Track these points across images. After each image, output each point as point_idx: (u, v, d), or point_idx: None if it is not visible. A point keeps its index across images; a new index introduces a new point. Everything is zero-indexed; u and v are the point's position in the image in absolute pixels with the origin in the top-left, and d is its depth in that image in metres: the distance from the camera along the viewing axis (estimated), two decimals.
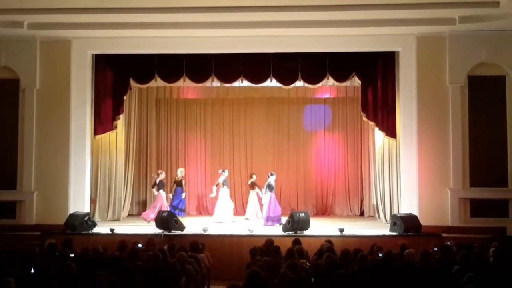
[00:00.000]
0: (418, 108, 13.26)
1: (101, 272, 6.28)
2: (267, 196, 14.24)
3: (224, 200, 14.83)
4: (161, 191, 14.77)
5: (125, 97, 14.59)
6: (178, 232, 12.29)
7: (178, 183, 15.36)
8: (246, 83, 14.69)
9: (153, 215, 14.03)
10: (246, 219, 14.81)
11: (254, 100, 17.20)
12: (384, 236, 12.14)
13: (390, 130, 13.89)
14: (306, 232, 12.20)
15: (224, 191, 14.92)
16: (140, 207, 16.70)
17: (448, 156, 13.07)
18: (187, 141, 17.33)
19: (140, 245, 9.09)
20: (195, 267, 7.87)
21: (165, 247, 8.68)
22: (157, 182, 14.80)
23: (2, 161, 13.53)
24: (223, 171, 15.19)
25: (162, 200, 14.62)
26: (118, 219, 15.01)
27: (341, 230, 12.01)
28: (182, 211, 15.23)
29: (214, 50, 13.72)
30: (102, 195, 14.90)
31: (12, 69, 13.63)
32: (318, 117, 17.26)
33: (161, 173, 15.05)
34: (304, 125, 17.27)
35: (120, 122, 14.88)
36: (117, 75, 14.43)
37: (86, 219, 12.58)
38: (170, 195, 15.41)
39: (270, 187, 14.31)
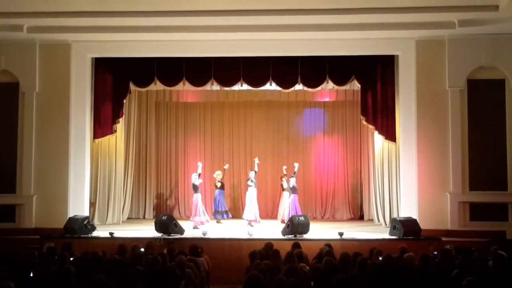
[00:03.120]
0: (417, 112, 13.27)
1: (101, 276, 6.27)
2: (292, 198, 14.64)
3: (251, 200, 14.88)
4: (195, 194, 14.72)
5: (124, 101, 14.60)
6: (178, 236, 12.28)
7: (219, 186, 15.36)
8: (245, 86, 14.68)
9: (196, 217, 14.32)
10: (282, 221, 14.67)
11: (253, 104, 17.21)
12: (383, 239, 12.14)
13: (390, 134, 13.91)
14: (305, 236, 12.18)
15: (251, 191, 14.94)
16: (139, 211, 16.70)
17: (447, 160, 13.08)
18: (186, 144, 17.32)
19: (142, 249, 9.05)
20: (194, 271, 7.86)
21: (165, 251, 8.67)
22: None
23: (1, 165, 13.51)
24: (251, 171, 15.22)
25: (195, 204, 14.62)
26: (117, 223, 14.99)
27: (341, 234, 12.01)
28: (223, 212, 15.21)
29: (214, 53, 13.74)
30: (101, 199, 14.88)
31: (11, 72, 13.63)
32: (318, 120, 17.26)
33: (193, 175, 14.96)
34: (303, 128, 17.28)
35: (120, 126, 14.87)
36: (117, 79, 14.43)
37: (85, 222, 12.57)
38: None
39: (294, 189, 14.64)
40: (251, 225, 14.27)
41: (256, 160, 15.20)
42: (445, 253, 8.29)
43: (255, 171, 15.05)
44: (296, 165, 15.03)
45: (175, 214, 16.06)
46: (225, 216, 15.18)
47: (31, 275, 7.03)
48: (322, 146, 17.31)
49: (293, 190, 14.63)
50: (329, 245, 9.29)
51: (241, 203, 16.41)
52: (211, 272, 9.55)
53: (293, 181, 14.64)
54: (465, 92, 13.21)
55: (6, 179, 13.45)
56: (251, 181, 14.90)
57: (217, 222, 15.07)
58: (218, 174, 15.40)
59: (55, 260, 7.91)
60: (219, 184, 15.30)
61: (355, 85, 14.49)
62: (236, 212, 16.30)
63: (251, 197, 14.86)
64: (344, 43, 13.43)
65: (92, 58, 14.13)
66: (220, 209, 15.14)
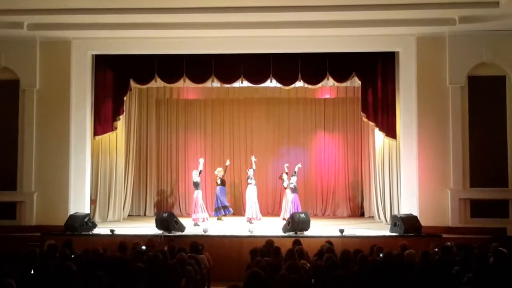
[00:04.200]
0: (418, 109, 13.26)
1: (101, 273, 6.28)
2: (292, 197, 14.59)
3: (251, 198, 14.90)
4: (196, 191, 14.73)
5: (125, 98, 14.59)
6: (178, 233, 12.30)
7: (220, 183, 15.35)
8: (246, 83, 14.69)
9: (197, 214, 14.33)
10: (284, 219, 14.61)
11: (254, 101, 17.19)
12: (384, 236, 12.15)
13: (390, 131, 13.90)
14: (306, 233, 12.20)
15: (251, 189, 14.96)
16: (140, 208, 16.71)
17: (448, 157, 13.08)
18: (187, 141, 17.33)
19: (144, 247, 9.04)
20: (195, 268, 7.87)
21: (165, 248, 8.68)
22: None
23: (2, 162, 13.53)
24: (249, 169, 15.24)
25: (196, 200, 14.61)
26: (118, 220, 15.01)
27: (341, 231, 12.01)
28: (224, 208, 15.22)
29: (214, 50, 13.73)
30: (102, 196, 14.89)
31: (12, 69, 13.63)
32: (318, 117, 17.26)
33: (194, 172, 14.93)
34: (304, 125, 17.27)
35: (120, 123, 14.87)
36: (117, 76, 14.43)
37: (86, 220, 12.58)
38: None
39: (294, 189, 14.63)
40: (251, 223, 14.28)
41: (253, 158, 15.20)
42: (446, 250, 8.27)
43: (253, 169, 15.05)
44: (299, 165, 15.01)
45: (176, 211, 16.03)
46: (226, 211, 15.14)
47: (32, 272, 7.04)
48: (323, 143, 17.31)
49: (293, 189, 14.61)
50: (329, 242, 9.31)
51: (242, 201, 16.39)
52: (211, 269, 9.55)
53: (293, 180, 14.63)
54: (465, 89, 13.20)
55: (6, 176, 13.46)
56: (251, 179, 14.91)
57: (218, 219, 15.06)
58: (219, 171, 15.39)
59: (56, 257, 7.92)
60: (219, 181, 15.29)
61: (356, 82, 14.48)
62: (237, 209, 16.31)
63: (250, 195, 14.85)
64: (345, 39, 13.41)
65: (93, 55, 14.13)
66: (220, 205, 15.12)
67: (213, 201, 15.71)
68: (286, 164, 15.43)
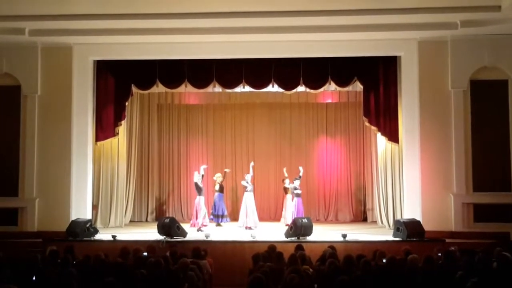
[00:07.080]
0: (420, 113, 13.24)
1: (111, 279, 6.24)
2: (295, 201, 14.58)
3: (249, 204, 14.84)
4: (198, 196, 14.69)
5: (126, 103, 14.58)
6: (180, 239, 12.26)
7: (218, 189, 15.26)
8: (247, 88, 14.70)
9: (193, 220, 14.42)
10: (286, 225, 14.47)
11: (255, 106, 17.17)
12: (387, 241, 12.10)
13: (393, 135, 13.88)
14: (308, 238, 12.16)
15: (248, 195, 14.92)
16: (142, 214, 16.67)
17: (451, 161, 13.04)
18: (189, 146, 17.32)
19: (145, 253, 9.01)
20: (197, 274, 7.82)
21: (167, 254, 8.65)
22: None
23: (3, 168, 13.51)
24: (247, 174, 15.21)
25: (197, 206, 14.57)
26: (120, 226, 14.98)
27: (344, 236, 11.98)
28: (223, 216, 15.13)
29: (216, 55, 13.74)
30: (104, 202, 14.86)
31: (13, 75, 13.64)
32: (320, 122, 17.25)
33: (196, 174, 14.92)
34: (306, 130, 17.25)
35: (122, 128, 14.83)
36: (119, 81, 14.42)
37: (88, 225, 12.56)
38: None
39: (297, 194, 14.64)
40: (251, 228, 14.22)
41: (251, 164, 15.19)
42: (449, 255, 8.25)
43: (251, 175, 15.00)
44: (301, 168, 14.98)
45: (178, 216, 15.97)
46: (223, 220, 15.04)
47: (34, 278, 7.02)
48: (325, 147, 17.28)
49: (296, 194, 14.58)
50: (332, 247, 9.27)
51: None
52: (214, 274, 9.53)
53: (297, 185, 14.59)
54: (468, 93, 13.18)
55: (8, 182, 13.44)
56: (247, 183, 14.86)
57: (217, 225, 14.98)
58: (218, 177, 15.25)
59: (57, 264, 7.90)
60: (217, 187, 15.15)
61: (358, 86, 14.47)
62: (237, 215, 16.24)
63: (247, 202, 14.76)
64: (346, 44, 13.40)
65: (94, 60, 14.13)
66: (219, 213, 15.01)
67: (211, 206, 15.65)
68: (285, 168, 15.38)
